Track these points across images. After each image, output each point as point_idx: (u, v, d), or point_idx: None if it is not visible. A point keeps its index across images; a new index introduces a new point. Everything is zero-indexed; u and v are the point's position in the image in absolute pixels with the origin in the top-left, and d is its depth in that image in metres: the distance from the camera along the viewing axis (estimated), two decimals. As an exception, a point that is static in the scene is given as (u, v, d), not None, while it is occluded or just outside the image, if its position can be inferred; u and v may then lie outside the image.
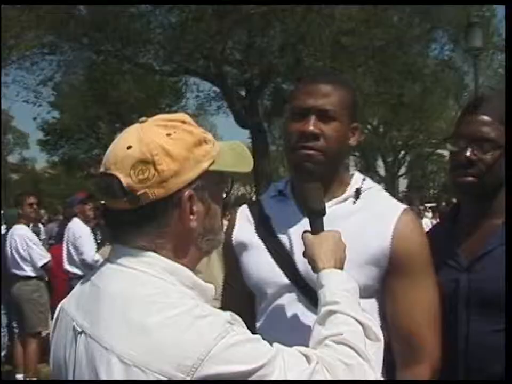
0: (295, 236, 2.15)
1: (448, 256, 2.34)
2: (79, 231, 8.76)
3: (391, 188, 43.25)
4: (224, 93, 21.81)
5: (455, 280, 2.29)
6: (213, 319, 1.46)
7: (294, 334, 1.90)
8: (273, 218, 2.24)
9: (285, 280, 2.14)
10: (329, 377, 1.54)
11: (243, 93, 22.32)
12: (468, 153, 2.24)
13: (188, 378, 1.37)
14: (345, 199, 2.22)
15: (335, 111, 2.15)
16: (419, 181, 50.30)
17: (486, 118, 2.24)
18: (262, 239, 2.21)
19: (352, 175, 2.30)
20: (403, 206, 2.22)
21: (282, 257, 2.16)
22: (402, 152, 44.36)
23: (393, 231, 2.13)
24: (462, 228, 2.41)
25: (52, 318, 1.74)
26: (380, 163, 46.43)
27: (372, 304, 2.15)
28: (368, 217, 2.16)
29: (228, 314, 1.51)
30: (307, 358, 1.56)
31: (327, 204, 2.10)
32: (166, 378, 1.38)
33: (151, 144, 1.53)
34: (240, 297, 2.30)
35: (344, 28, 19.91)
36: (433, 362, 2.10)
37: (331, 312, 1.75)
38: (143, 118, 1.63)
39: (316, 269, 1.91)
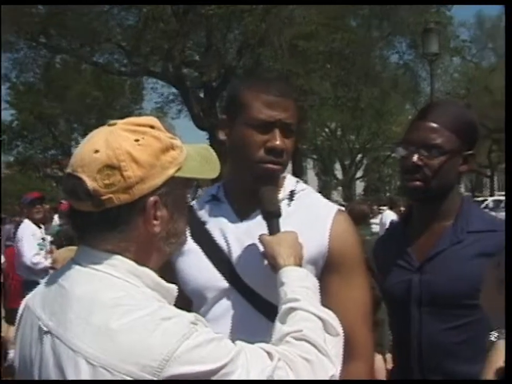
0: (232, 239, 2.15)
1: (400, 257, 2.38)
2: (22, 233, 8.62)
3: (348, 191, 43.65)
4: (183, 94, 21.79)
5: (407, 280, 2.32)
6: (177, 321, 1.46)
7: (235, 336, 1.87)
8: (208, 223, 2.21)
9: (225, 284, 2.13)
10: (290, 374, 1.56)
11: (201, 95, 22.35)
12: (415, 159, 2.30)
13: (154, 379, 1.38)
14: (281, 201, 2.19)
15: (295, 124, 2.16)
16: (375, 184, 50.79)
17: (433, 124, 2.29)
18: (199, 244, 2.18)
19: (284, 177, 2.28)
20: (336, 207, 2.25)
21: (221, 261, 2.15)
22: (360, 156, 44.80)
23: (330, 232, 2.15)
24: (413, 230, 2.45)
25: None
26: (338, 166, 46.83)
27: None
28: (304, 219, 2.17)
29: (192, 315, 1.52)
30: (269, 355, 1.56)
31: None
32: (132, 379, 1.40)
33: (118, 150, 1.52)
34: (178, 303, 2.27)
35: (303, 31, 20.05)
36: (367, 358, 2.13)
37: (291, 309, 1.77)
38: (113, 121, 1.62)
39: (276, 267, 1.94)
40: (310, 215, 2.19)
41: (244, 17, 18.99)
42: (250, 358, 1.52)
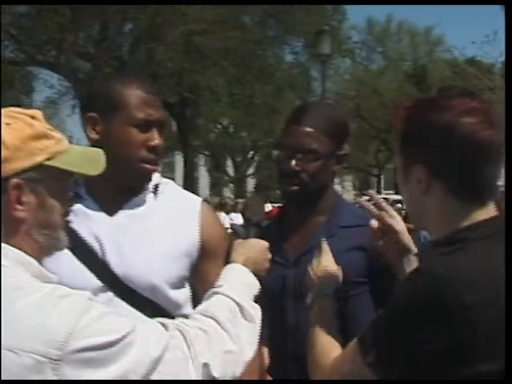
0: (103, 236, 2.14)
1: (276, 254, 2.36)
2: None
3: (240, 187, 43.94)
4: (75, 87, 21.29)
5: (282, 276, 2.37)
6: (76, 297, 1.53)
7: None
8: (73, 221, 2.12)
9: (98, 283, 2.10)
10: (184, 343, 1.64)
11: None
12: (293, 164, 2.35)
13: (60, 353, 1.43)
14: (145, 195, 2.24)
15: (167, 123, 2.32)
16: (266, 181, 51.30)
17: (309, 129, 2.33)
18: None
19: None
20: (200, 198, 2.36)
21: (92, 259, 2.13)
22: (251, 153, 45.14)
23: (200, 223, 2.25)
24: (289, 227, 2.51)
25: None
26: (229, 163, 47.05)
27: (185, 294, 2.25)
28: (173, 211, 2.24)
29: (87, 292, 1.58)
30: (164, 325, 1.66)
31: (132, 201, 2.20)
32: (39, 357, 1.43)
33: None
34: None
35: (198, 27, 20.01)
36: None
37: (213, 293, 1.87)
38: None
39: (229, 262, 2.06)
40: (178, 207, 2.26)
41: (138, 11, 18.77)
42: (147, 329, 1.60)
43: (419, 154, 1.65)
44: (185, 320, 1.75)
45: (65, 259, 2.06)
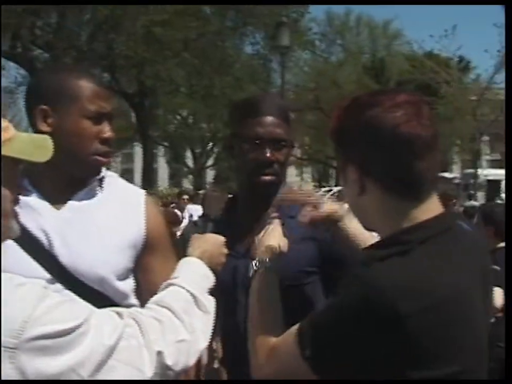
0: (50, 229, 2.15)
1: (228, 245, 2.36)
2: None
3: (199, 179, 43.83)
4: (32, 76, 20.99)
5: (233, 267, 2.38)
6: (31, 286, 1.55)
7: None
8: (19, 214, 2.04)
9: (46, 275, 2.09)
10: (138, 332, 1.66)
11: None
12: (268, 154, 2.34)
13: (16, 341, 1.43)
14: (92, 187, 2.27)
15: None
16: (225, 172, 51.17)
17: (274, 118, 2.36)
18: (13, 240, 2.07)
19: None
20: (143, 191, 2.43)
21: (41, 252, 2.13)
22: (211, 144, 44.98)
23: (145, 214, 2.31)
24: (242, 218, 2.52)
25: None
26: (189, 154, 46.84)
27: (130, 284, 2.30)
28: (119, 203, 2.29)
29: (42, 281, 1.63)
30: (118, 314, 1.68)
31: (78, 194, 2.22)
32: None
33: None
34: None
35: (158, 18, 19.89)
36: None
37: (168, 284, 1.92)
38: None
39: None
40: (123, 200, 2.31)
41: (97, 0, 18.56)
42: (102, 318, 1.62)
43: (350, 153, 1.66)
44: (139, 309, 1.79)
45: (11, 251, 2.03)
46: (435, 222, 1.61)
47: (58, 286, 2.10)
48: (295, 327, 1.67)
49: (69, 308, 1.57)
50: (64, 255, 2.13)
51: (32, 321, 1.46)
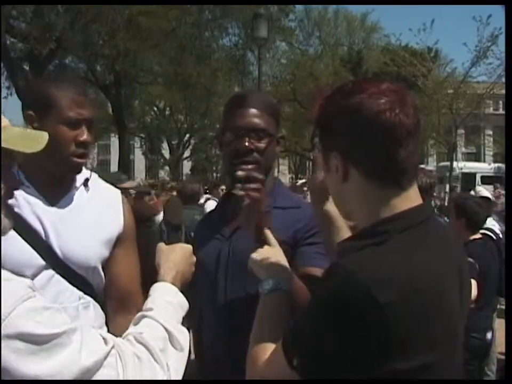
0: (47, 223, 2.40)
1: (216, 230, 2.54)
2: None
3: (175, 170, 43.76)
4: (6, 66, 20.82)
5: (218, 250, 2.47)
6: (17, 283, 1.53)
7: (57, 298, 2.33)
8: (17, 206, 2.37)
9: (41, 262, 2.36)
10: (119, 363, 1.62)
11: (26, 67, 21.52)
12: (246, 143, 2.41)
13: None
14: (78, 188, 2.56)
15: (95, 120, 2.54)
16: (202, 164, 51.15)
17: (256, 110, 2.45)
18: (13, 229, 2.17)
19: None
20: (118, 190, 2.74)
21: (37, 241, 2.38)
22: (187, 135, 44.94)
23: (123, 212, 2.65)
24: (231, 208, 2.57)
25: None
26: (165, 145, 46.77)
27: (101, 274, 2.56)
28: (103, 202, 2.60)
29: (29, 280, 1.58)
30: (105, 340, 1.64)
31: (69, 194, 2.51)
32: None
33: None
34: None
35: (141, 8, 19.83)
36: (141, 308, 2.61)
37: (143, 316, 1.87)
38: None
39: (158, 277, 2.06)
40: (106, 199, 2.63)
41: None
42: (86, 338, 1.57)
43: (333, 141, 1.67)
44: (124, 341, 1.74)
45: (11, 241, 2.24)
46: (413, 213, 1.62)
47: (51, 272, 2.38)
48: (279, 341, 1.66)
49: (51, 315, 1.53)
50: (58, 246, 2.40)
51: (10, 319, 1.44)
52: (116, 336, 1.71)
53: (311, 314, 1.56)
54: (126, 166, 27.94)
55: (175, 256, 2.08)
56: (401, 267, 1.51)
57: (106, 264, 2.56)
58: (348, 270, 1.50)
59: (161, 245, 2.15)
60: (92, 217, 2.51)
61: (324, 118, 1.71)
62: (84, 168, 2.56)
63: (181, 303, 1.97)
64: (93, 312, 2.48)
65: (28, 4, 17.80)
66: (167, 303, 1.92)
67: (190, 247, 2.16)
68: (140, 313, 1.89)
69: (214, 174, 49.69)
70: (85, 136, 2.43)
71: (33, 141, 1.77)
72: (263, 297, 1.95)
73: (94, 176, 2.66)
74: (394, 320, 1.46)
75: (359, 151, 1.61)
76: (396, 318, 1.46)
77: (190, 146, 46.84)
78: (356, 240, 1.65)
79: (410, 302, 1.49)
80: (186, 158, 48.04)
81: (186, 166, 52.48)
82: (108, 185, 2.72)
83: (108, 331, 2.50)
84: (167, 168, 48.32)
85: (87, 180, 2.58)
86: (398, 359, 1.49)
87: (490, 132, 42.16)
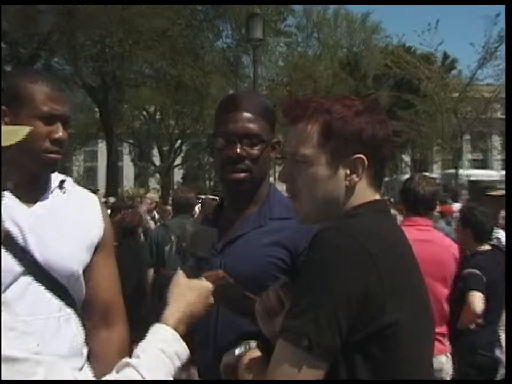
0: (25, 226, 2.37)
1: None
2: None
3: (166, 178, 43.69)
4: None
5: (209, 263, 2.42)
6: None
7: (34, 309, 2.29)
8: None
9: (17, 268, 2.32)
10: None
11: (8, 69, 21.55)
12: (238, 149, 2.41)
13: None
14: (55, 189, 2.54)
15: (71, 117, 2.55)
16: (195, 171, 51.09)
17: (249, 114, 2.43)
18: None
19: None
20: (94, 194, 2.76)
21: (14, 245, 2.34)
22: (179, 141, 44.88)
23: (101, 217, 2.66)
24: (224, 217, 2.59)
25: None
26: (155, 152, 46.70)
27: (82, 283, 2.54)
28: (80, 206, 2.60)
29: (3, 295, 1.58)
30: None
31: (45, 195, 2.49)
32: None
33: None
34: None
35: (134, 9, 19.93)
36: (124, 321, 2.69)
37: (127, 364, 1.77)
38: None
39: (162, 317, 1.92)
40: (84, 202, 2.64)
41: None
42: (53, 370, 1.53)
43: (355, 147, 1.86)
44: None
45: None
46: (379, 202, 1.92)
47: (29, 278, 2.34)
48: (279, 340, 1.70)
49: (14, 336, 1.48)
50: (37, 251, 2.36)
51: None
52: (101, 352, 1.70)
53: (307, 284, 1.69)
54: (114, 173, 27.95)
55: (190, 296, 1.96)
56: (377, 230, 1.78)
57: (86, 273, 2.52)
58: (341, 225, 1.75)
59: (180, 276, 2.03)
60: (71, 219, 2.50)
61: (328, 132, 1.87)
62: (57, 173, 2.57)
63: (177, 352, 1.85)
64: (75, 327, 2.43)
65: (28, 4, 17.78)
66: (160, 351, 1.81)
67: (209, 286, 2.02)
68: (124, 360, 1.79)
69: (207, 182, 49.68)
70: (60, 133, 2.43)
71: (11, 134, 1.73)
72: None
73: (69, 179, 2.66)
74: (383, 269, 1.66)
75: (375, 159, 1.88)
76: (384, 267, 1.67)
77: (182, 153, 46.76)
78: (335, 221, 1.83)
79: (390, 253, 1.73)
80: (177, 165, 47.94)
81: (178, 174, 52.42)
82: (82, 189, 2.73)
83: (88, 348, 2.51)
84: (157, 175, 48.22)
85: (63, 181, 2.58)
86: (388, 310, 1.65)
87: (498, 138, 42.26)
